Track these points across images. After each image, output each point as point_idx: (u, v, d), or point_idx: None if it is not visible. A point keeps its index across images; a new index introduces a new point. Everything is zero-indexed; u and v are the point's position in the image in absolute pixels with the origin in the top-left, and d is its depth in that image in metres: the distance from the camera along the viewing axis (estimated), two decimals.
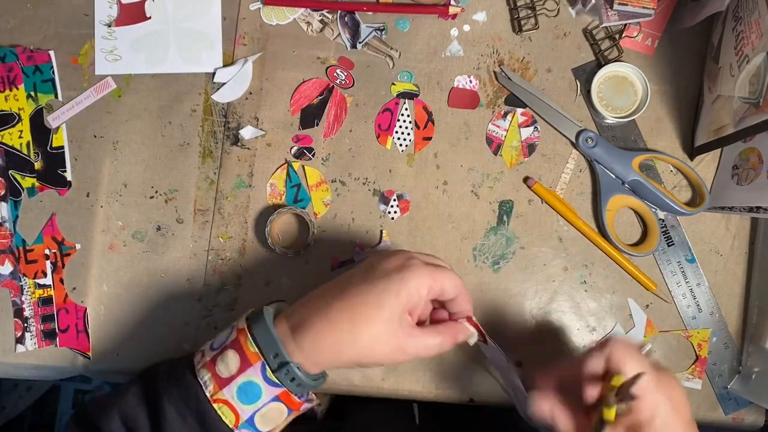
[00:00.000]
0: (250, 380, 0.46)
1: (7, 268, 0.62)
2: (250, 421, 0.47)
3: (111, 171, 0.64)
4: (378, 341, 0.46)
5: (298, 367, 0.46)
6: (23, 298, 0.62)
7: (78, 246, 0.63)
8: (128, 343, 0.62)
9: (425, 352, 0.48)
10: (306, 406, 0.49)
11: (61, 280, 0.62)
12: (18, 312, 0.62)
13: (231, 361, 0.46)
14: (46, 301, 0.62)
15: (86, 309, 0.62)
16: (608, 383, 0.44)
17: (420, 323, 0.51)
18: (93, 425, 0.48)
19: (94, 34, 0.64)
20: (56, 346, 0.62)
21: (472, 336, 0.51)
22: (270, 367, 0.46)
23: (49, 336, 0.62)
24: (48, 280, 0.62)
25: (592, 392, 0.46)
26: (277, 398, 0.46)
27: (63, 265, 0.63)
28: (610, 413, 0.41)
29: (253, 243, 0.63)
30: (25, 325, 0.62)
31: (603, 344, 0.46)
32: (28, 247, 0.62)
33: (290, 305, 0.50)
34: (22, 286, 0.62)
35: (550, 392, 0.48)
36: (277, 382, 0.46)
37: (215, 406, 0.46)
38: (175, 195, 0.64)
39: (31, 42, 0.64)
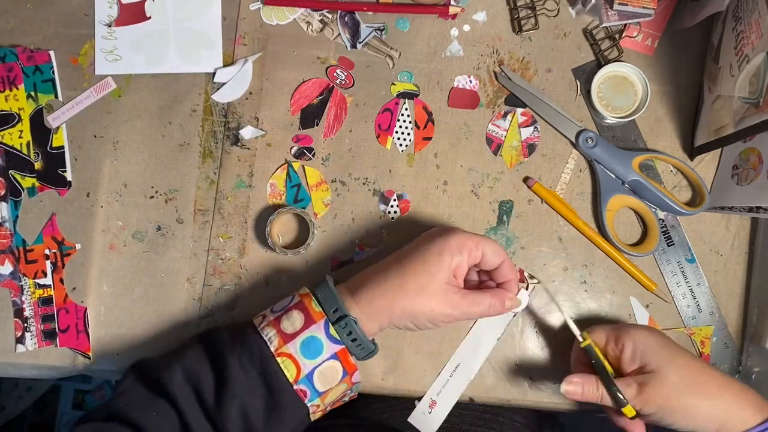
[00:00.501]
0: (313, 335, 0.50)
1: (7, 268, 0.62)
2: (309, 377, 0.50)
3: (111, 171, 0.64)
4: (426, 292, 0.51)
5: (355, 321, 0.51)
6: (23, 298, 0.62)
7: (78, 246, 0.63)
8: (128, 343, 0.62)
9: (475, 309, 0.53)
10: (357, 376, 0.52)
11: (61, 280, 0.62)
12: (18, 312, 0.62)
13: (296, 318, 0.51)
14: (46, 301, 0.62)
15: (86, 309, 0.62)
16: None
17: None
18: (155, 380, 0.50)
19: (94, 34, 0.64)
20: (56, 346, 0.62)
21: (519, 305, 0.58)
22: (330, 320, 0.51)
23: (49, 336, 0.62)
24: (48, 280, 0.62)
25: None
26: (335, 356, 0.51)
27: (63, 265, 0.63)
28: (629, 410, 0.52)
29: (253, 243, 0.63)
30: (25, 325, 0.62)
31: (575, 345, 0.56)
32: (28, 247, 0.62)
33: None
34: (22, 286, 0.62)
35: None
36: (338, 338, 0.51)
37: (279, 359, 0.50)
38: (175, 195, 0.64)
39: (31, 42, 0.64)
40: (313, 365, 0.50)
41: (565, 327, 0.63)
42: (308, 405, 0.51)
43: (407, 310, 0.52)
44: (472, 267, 0.56)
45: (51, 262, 0.62)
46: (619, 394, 0.52)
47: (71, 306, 0.62)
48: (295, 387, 0.50)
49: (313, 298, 0.52)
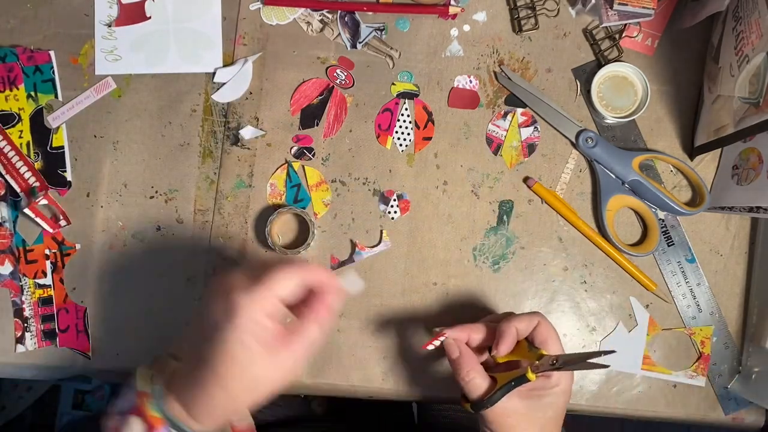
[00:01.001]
0: None
1: (7, 268, 0.62)
2: None
3: (111, 171, 0.64)
4: (258, 381, 0.44)
5: None
6: (23, 298, 0.62)
7: (78, 246, 0.63)
8: (128, 343, 0.62)
9: (310, 342, 0.45)
10: None
11: (61, 280, 0.62)
12: (18, 312, 0.62)
13: (135, 427, 0.45)
14: (46, 301, 0.62)
15: (86, 309, 0.62)
16: (530, 351, 0.52)
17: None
18: None
19: (94, 34, 0.64)
20: (56, 346, 0.62)
21: (351, 287, 0.49)
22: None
23: (49, 336, 0.62)
24: (48, 280, 0.62)
25: (504, 348, 0.52)
26: None
27: (63, 265, 0.63)
28: (532, 375, 0.50)
29: (253, 243, 0.63)
30: (25, 325, 0.62)
31: (531, 315, 0.53)
32: (28, 247, 0.62)
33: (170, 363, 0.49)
34: (22, 286, 0.62)
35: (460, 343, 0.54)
36: None
37: None
38: (175, 195, 0.64)
39: (31, 42, 0.64)
40: None
41: (565, 327, 0.63)
42: None
43: (250, 402, 0.45)
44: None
45: (51, 262, 0.62)
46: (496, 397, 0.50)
47: (71, 306, 0.62)
48: None
49: (152, 399, 0.45)
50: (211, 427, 0.47)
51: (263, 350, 0.44)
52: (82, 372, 0.63)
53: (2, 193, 0.62)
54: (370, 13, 0.65)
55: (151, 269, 0.63)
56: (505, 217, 0.64)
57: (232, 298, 0.44)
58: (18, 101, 0.63)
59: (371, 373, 0.63)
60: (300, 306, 0.47)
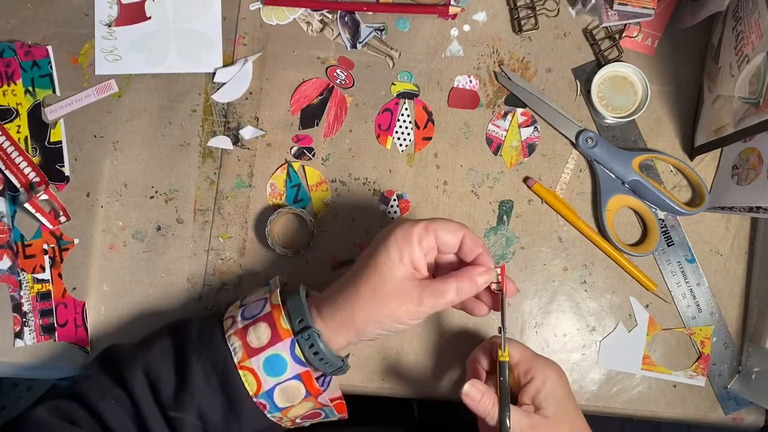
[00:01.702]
0: (278, 354, 0.49)
1: (5, 263, 0.62)
2: (270, 393, 0.49)
3: (111, 171, 0.64)
4: (381, 294, 0.49)
5: (318, 335, 0.49)
6: (22, 293, 0.62)
7: (76, 241, 0.63)
8: (128, 342, 0.62)
9: (442, 298, 0.49)
10: (324, 397, 0.51)
11: (60, 275, 0.62)
12: (17, 307, 0.62)
13: (263, 332, 0.49)
14: (45, 296, 0.62)
15: (84, 304, 0.62)
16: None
17: None
18: (118, 373, 0.50)
19: (94, 34, 0.64)
20: (55, 340, 0.62)
21: (493, 279, 0.51)
22: (295, 332, 0.49)
23: (47, 331, 0.62)
24: (46, 275, 0.62)
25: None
26: (299, 377, 0.49)
27: (61, 260, 0.63)
28: (504, 356, 0.51)
29: (253, 243, 0.63)
30: (24, 320, 0.62)
31: (456, 226, 0.51)
32: (26, 242, 0.63)
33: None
34: (20, 280, 0.62)
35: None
36: (303, 360, 0.49)
37: (240, 372, 0.49)
38: (175, 195, 0.64)
39: (30, 42, 0.64)
40: (275, 382, 0.49)
41: (565, 327, 0.63)
42: (268, 416, 0.50)
43: (369, 317, 0.49)
44: (441, 254, 0.52)
45: (49, 257, 0.63)
46: (507, 422, 0.48)
47: (69, 301, 0.62)
48: (254, 400, 0.49)
49: (283, 311, 0.50)
50: (339, 343, 0.50)
51: (402, 269, 0.49)
52: (81, 372, 0.63)
53: (0, 188, 0.63)
54: (370, 13, 0.65)
55: (151, 269, 0.63)
56: (505, 217, 0.64)
57: (402, 222, 0.50)
58: (16, 96, 0.63)
59: (371, 373, 0.63)
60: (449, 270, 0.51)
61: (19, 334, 0.62)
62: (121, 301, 0.63)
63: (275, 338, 0.49)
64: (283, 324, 0.49)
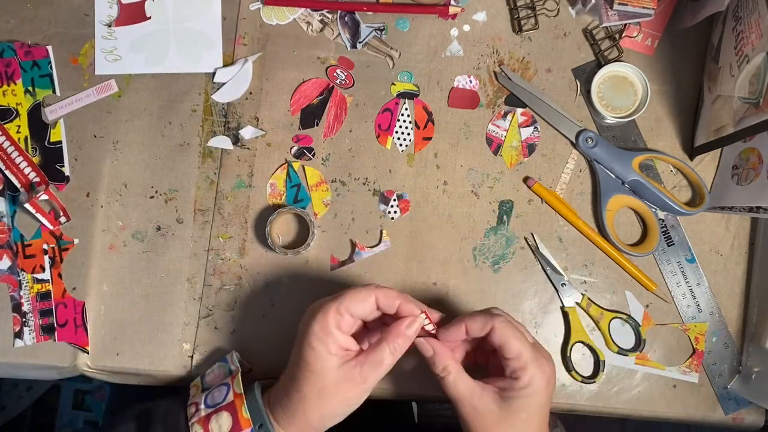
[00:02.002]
0: None
1: (5, 263, 0.62)
2: None
3: (111, 171, 0.64)
4: (326, 392, 0.50)
5: None
6: (21, 293, 0.62)
7: (76, 241, 0.63)
8: (128, 342, 0.62)
9: (382, 366, 0.51)
10: None
11: (60, 275, 0.62)
12: (16, 307, 0.62)
13: (224, 422, 0.51)
14: (45, 296, 0.62)
15: (84, 304, 0.62)
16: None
17: None
18: None
19: (94, 34, 0.64)
20: (54, 340, 0.62)
21: (422, 323, 0.52)
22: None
23: (47, 331, 0.62)
24: (46, 275, 0.62)
25: (445, 336, 0.52)
26: None
27: (61, 260, 0.63)
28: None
29: (253, 243, 0.63)
30: (24, 320, 0.62)
31: (487, 318, 0.51)
32: (26, 242, 0.63)
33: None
34: (20, 281, 0.62)
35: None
36: None
37: None
38: (175, 195, 0.64)
39: (30, 42, 0.64)
40: None
41: (563, 326, 0.64)
42: None
43: (324, 415, 0.50)
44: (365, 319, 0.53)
45: (49, 257, 0.63)
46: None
47: (69, 301, 0.62)
48: None
49: (245, 401, 0.52)
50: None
51: (334, 359, 0.49)
52: (82, 372, 0.63)
53: (0, 188, 0.63)
54: (370, 13, 0.65)
55: (151, 269, 0.63)
56: (505, 217, 0.64)
57: (315, 311, 0.51)
58: (15, 96, 0.63)
59: None
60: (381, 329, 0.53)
61: (18, 334, 0.62)
62: (121, 301, 0.63)
63: (236, 428, 0.51)
64: (245, 414, 0.51)
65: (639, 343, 0.62)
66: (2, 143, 0.63)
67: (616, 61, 0.64)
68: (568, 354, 0.62)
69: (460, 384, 0.51)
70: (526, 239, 0.63)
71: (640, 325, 0.62)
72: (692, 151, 0.64)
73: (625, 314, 0.62)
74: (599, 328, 0.63)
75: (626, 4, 0.59)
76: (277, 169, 0.64)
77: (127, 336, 0.62)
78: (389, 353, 0.50)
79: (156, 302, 0.63)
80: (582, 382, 0.62)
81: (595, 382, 0.62)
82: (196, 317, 0.63)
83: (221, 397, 0.53)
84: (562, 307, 0.63)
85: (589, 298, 0.62)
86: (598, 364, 0.62)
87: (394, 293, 0.51)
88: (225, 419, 0.51)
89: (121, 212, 0.63)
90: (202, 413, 0.52)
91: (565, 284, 0.62)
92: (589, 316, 0.63)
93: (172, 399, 0.56)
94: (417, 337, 0.52)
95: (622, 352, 0.62)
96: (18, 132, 0.63)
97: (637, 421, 0.65)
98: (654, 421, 0.65)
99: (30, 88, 0.63)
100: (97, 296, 0.63)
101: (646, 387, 0.63)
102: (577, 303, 0.62)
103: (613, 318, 0.62)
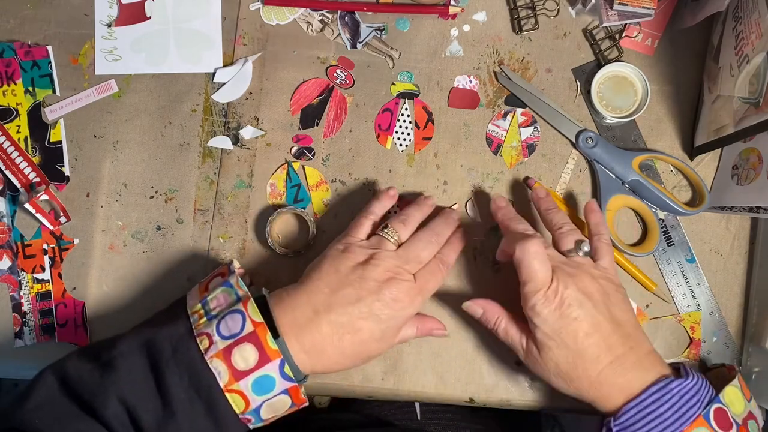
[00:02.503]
0: (267, 374, 0.48)
1: (5, 263, 0.62)
2: (257, 410, 0.49)
3: (111, 171, 0.64)
4: (369, 346, 0.53)
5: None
6: (21, 293, 0.62)
7: (76, 241, 0.63)
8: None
9: (401, 341, 0.56)
10: (306, 403, 0.51)
11: (60, 275, 0.62)
12: (16, 307, 0.62)
13: (249, 354, 0.48)
14: (45, 296, 0.62)
15: (84, 303, 0.62)
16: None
17: None
18: (86, 402, 0.46)
19: (94, 34, 0.64)
20: (55, 341, 0.62)
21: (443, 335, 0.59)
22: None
23: (47, 331, 0.62)
24: (46, 275, 0.62)
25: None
26: (286, 391, 0.49)
27: (61, 260, 0.63)
28: None
29: (253, 243, 0.63)
30: (24, 319, 0.62)
31: (517, 237, 0.53)
32: (26, 242, 0.63)
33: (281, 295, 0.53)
34: (20, 280, 0.62)
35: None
36: (292, 377, 0.48)
37: (228, 395, 0.47)
38: (175, 195, 0.64)
39: (30, 42, 0.64)
40: (263, 400, 0.48)
41: None
42: (250, 427, 0.51)
43: (352, 366, 0.54)
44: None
45: (49, 257, 0.63)
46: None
47: (69, 300, 0.62)
48: (240, 417, 0.49)
49: (268, 331, 0.48)
50: (316, 372, 0.52)
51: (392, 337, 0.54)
52: None
53: (0, 188, 0.63)
54: (370, 13, 0.65)
55: (151, 269, 0.63)
56: None
57: (400, 286, 0.52)
58: (15, 96, 0.63)
59: (371, 373, 0.63)
60: None
61: (19, 334, 0.62)
62: (121, 301, 0.63)
63: (263, 359, 0.48)
64: (270, 344, 0.48)
65: None
66: (2, 143, 0.63)
67: (616, 61, 0.64)
68: None
69: (510, 332, 0.54)
70: None
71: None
72: (692, 151, 0.64)
73: None
74: None
75: (626, 4, 0.59)
76: (277, 169, 0.64)
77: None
78: (411, 335, 0.56)
79: (156, 302, 0.63)
80: None
81: None
82: None
83: (237, 327, 0.48)
84: None
85: None
86: None
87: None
88: (250, 351, 0.47)
89: (121, 212, 0.63)
90: (220, 346, 0.48)
91: None
92: None
93: (172, 326, 0.50)
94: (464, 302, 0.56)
95: None
96: (18, 132, 0.63)
97: None
98: None
99: (30, 88, 0.64)
100: (97, 296, 0.63)
101: None
102: None
103: None
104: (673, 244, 0.64)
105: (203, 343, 0.48)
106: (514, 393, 0.62)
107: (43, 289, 0.62)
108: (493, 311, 0.55)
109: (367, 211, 0.57)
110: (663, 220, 0.64)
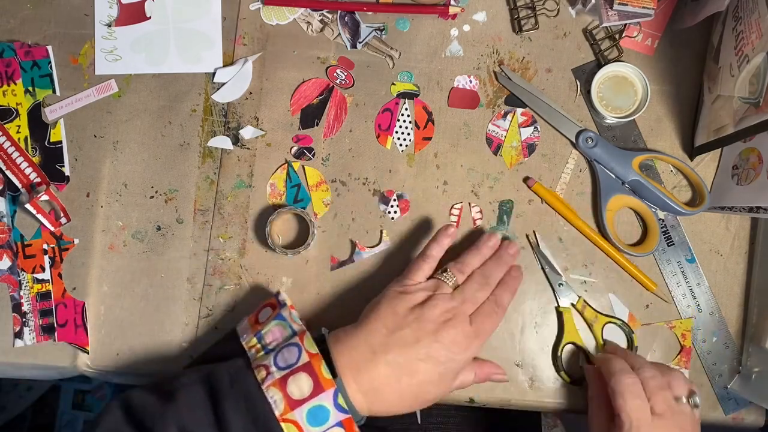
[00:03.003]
0: (321, 404, 0.48)
1: (5, 263, 0.62)
2: None
3: (111, 171, 0.64)
4: (426, 388, 0.53)
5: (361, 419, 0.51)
6: (21, 293, 0.62)
7: (76, 241, 0.63)
8: (128, 342, 0.62)
9: (460, 386, 0.56)
10: None
11: (60, 275, 0.62)
12: (16, 307, 0.62)
13: (304, 384, 0.48)
14: (45, 296, 0.62)
15: (84, 304, 0.62)
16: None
17: None
18: (147, 430, 0.48)
19: (94, 34, 0.64)
20: (54, 340, 0.62)
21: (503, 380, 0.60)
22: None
23: (47, 331, 0.62)
24: (46, 275, 0.62)
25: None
26: (340, 423, 0.49)
27: (61, 260, 0.63)
28: None
29: (253, 243, 0.63)
30: (24, 320, 0.62)
31: (611, 371, 0.55)
32: (26, 242, 0.62)
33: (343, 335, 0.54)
34: (20, 281, 0.62)
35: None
36: (346, 408, 0.49)
37: (283, 425, 0.47)
38: (175, 195, 0.64)
39: (30, 42, 0.64)
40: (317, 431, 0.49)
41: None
42: None
43: (419, 400, 0.53)
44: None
45: (49, 257, 0.63)
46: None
47: (69, 301, 0.62)
48: None
49: (324, 362, 0.49)
50: (373, 413, 0.52)
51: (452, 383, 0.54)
52: (82, 372, 0.63)
53: (0, 188, 0.63)
54: (370, 13, 0.65)
55: (151, 269, 0.63)
56: (505, 217, 0.64)
57: (469, 352, 0.53)
58: (15, 96, 0.63)
59: None
60: None
61: (18, 334, 0.62)
62: (121, 301, 0.63)
63: (318, 389, 0.48)
64: (325, 374, 0.49)
65: (630, 349, 0.62)
66: (2, 143, 0.63)
67: (616, 61, 0.64)
68: (558, 354, 0.62)
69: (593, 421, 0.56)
70: (527, 236, 0.63)
71: (633, 332, 0.62)
72: (692, 151, 0.64)
73: (620, 320, 0.62)
74: (592, 332, 0.62)
75: (626, 4, 0.59)
76: (277, 169, 0.64)
77: (127, 336, 0.62)
78: (470, 381, 0.57)
79: (156, 302, 0.63)
80: (570, 383, 0.62)
81: (581, 386, 0.62)
82: (196, 317, 0.63)
83: (293, 358, 0.49)
84: (557, 307, 0.63)
85: (584, 301, 0.62)
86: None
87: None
88: (305, 380, 0.48)
89: (121, 212, 0.63)
90: (276, 376, 0.49)
91: (562, 284, 0.62)
92: (584, 318, 0.62)
93: (231, 363, 0.51)
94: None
95: None
96: (18, 132, 0.63)
97: None
98: None
99: (30, 88, 0.64)
100: (97, 296, 0.63)
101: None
102: (572, 304, 0.62)
103: (607, 322, 0.62)
104: (673, 244, 0.64)
105: (260, 374, 0.49)
106: (514, 393, 0.62)
107: (43, 289, 0.62)
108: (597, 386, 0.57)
109: (425, 255, 0.57)
110: (663, 220, 0.64)
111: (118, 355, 0.62)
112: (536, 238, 0.63)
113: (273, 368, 0.49)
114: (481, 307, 0.55)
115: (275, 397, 0.48)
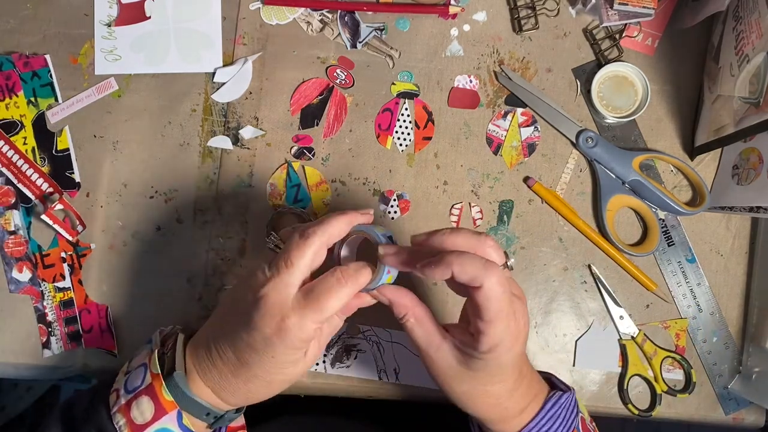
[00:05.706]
0: (165, 428, 0.46)
1: (26, 274, 0.62)
2: None
3: (111, 171, 0.64)
4: (293, 378, 0.47)
5: (208, 407, 0.47)
6: (45, 303, 0.62)
7: (93, 246, 0.63)
8: (128, 342, 0.62)
9: (328, 332, 0.49)
10: None
11: (80, 282, 0.62)
12: (41, 317, 0.62)
13: (146, 408, 0.46)
14: (67, 304, 0.62)
15: (107, 307, 0.62)
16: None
17: None
18: None
19: (94, 34, 0.64)
20: (82, 347, 0.62)
21: (375, 277, 0.46)
22: (191, 414, 0.46)
23: (74, 338, 0.62)
24: (67, 283, 0.62)
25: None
26: None
27: (80, 266, 0.62)
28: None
29: (253, 243, 0.63)
30: (50, 329, 0.62)
31: (481, 262, 0.42)
32: (44, 252, 0.62)
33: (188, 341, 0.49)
34: (42, 291, 0.62)
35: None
36: (192, 429, 0.46)
37: None
38: (175, 195, 0.64)
39: (30, 42, 0.64)
40: None
41: (565, 327, 0.63)
42: None
43: (267, 393, 0.47)
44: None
45: (68, 265, 0.62)
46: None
47: (92, 306, 0.62)
48: None
49: (164, 382, 0.46)
50: (235, 407, 0.49)
51: (304, 359, 0.46)
52: (81, 372, 0.63)
53: (13, 201, 0.62)
54: (370, 13, 0.65)
55: (151, 269, 0.63)
56: (505, 217, 0.64)
57: (287, 325, 0.43)
58: (19, 108, 0.63)
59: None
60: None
61: (46, 344, 0.62)
62: (120, 301, 0.63)
63: (159, 412, 0.45)
64: (165, 396, 0.46)
65: (689, 386, 0.62)
66: (11, 156, 0.62)
67: (616, 61, 0.64)
68: (625, 387, 0.62)
69: (417, 332, 0.46)
70: (590, 266, 0.63)
71: (692, 367, 0.62)
72: (692, 151, 0.64)
73: (679, 355, 0.62)
74: (651, 365, 0.63)
75: (626, 4, 0.59)
76: (277, 169, 0.64)
77: (126, 336, 0.62)
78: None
79: (156, 302, 0.63)
80: (639, 415, 0.62)
81: (651, 414, 0.62)
82: (196, 317, 0.63)
83: (139, 381, 0.47)
84: (620, 339, 0.63)
85: (645, 334, 0.62)
86: (654, 397, 0.62)
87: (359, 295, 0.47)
88: (146, 404, 0.46)
89: (121, 212, 0.63)
90: (122, 400, 0.46)
91: (623, 317, 0.63)
92: (643, 352, 0.62)
93: (98, 386, 0.50)
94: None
95: (671, 392, 0.63)
96: (24, 144, 0.63)
97: (637, 421, 0.65)
98: (654, 421, 0.65)
99: (32, 99, 0.63)
100: (97, 296, 0.63)
101: (646, 387, 0.63)
102: (632, 337, 0.62)
103: (666, 356, 0.62)
104: (674, 244, 0.64)
105: (112, 399, 0.47)
106: None
107: (66, 297, 0.62)
108: (400, 306, 0.47)
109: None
110: (663, 220, 0.64)
111: (118, 356, 0.62)
112: (596, 271, 0.63)
113: (122, 391, 0.47)
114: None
115: (120, 423, 0.46)
